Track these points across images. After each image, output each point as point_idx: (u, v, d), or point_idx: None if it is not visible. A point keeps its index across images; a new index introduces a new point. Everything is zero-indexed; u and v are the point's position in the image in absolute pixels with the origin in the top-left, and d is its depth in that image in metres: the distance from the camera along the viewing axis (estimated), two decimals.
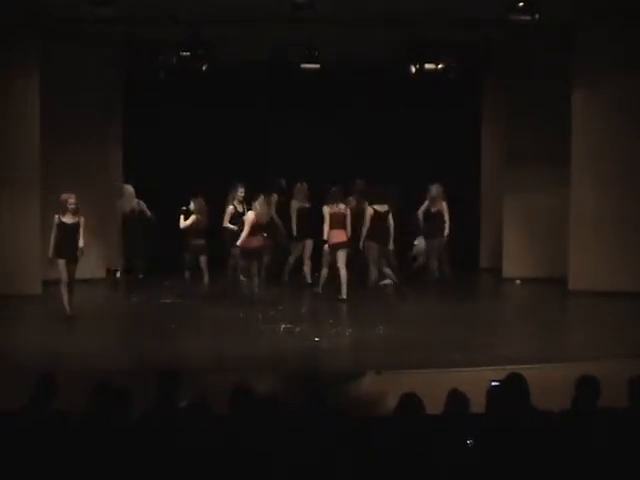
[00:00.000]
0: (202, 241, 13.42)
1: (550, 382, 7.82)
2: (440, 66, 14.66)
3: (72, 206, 11.89)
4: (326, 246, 13.36)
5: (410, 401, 5.68)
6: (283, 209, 14.60)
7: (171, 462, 5.31)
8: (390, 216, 13.52)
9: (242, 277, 13.02)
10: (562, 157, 14.18)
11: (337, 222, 13.33)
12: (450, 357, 9.61)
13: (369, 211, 13.44)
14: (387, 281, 13.74)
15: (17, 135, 13.73)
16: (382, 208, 13.49)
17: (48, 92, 13.92)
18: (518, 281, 15.14)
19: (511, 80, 15.47)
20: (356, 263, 13.69)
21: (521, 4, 11.03)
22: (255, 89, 16.07)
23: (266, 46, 13.95)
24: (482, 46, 14.78)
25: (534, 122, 15.08)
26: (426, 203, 14.28)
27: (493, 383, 6.28)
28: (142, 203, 14.08)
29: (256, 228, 12.70)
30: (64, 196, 11.91)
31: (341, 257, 13.25)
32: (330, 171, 14.79)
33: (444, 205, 14.09)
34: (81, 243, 11.92)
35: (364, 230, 13.40)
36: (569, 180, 14.07)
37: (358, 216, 13.61)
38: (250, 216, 12.71)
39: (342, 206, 13.44)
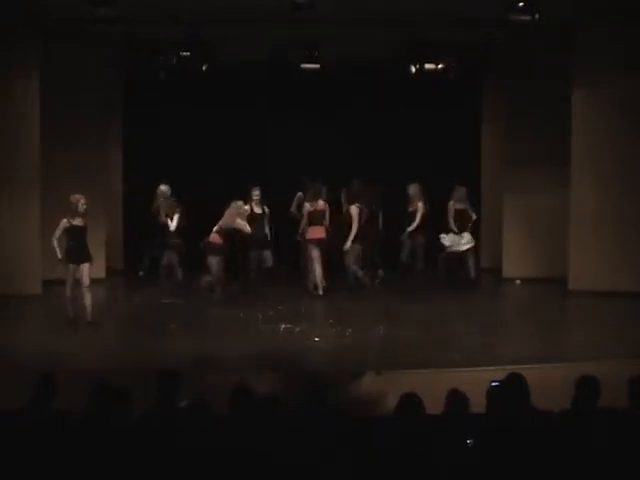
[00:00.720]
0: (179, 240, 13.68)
1: (550, 382, 7.82)
2: (440, 66, 14.65)
3: (83, 208, 11.66)
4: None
5: (410, 401, 5.68)
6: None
7: (171, 462, 5.31)
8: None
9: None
10: (562, 157, 14.19)
11: (316, 219, 13.46)
12: (450, 357, 9.61)
13: (356, 210, 13.37)
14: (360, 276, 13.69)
15: (17, 135, 13.74)
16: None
17: (48, 92, 13.92)
18: (518, 281, 15.14)
19: (511, 80, 15.47)
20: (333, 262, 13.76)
21: (521, 4, 11.03)
22: (255, 89, 16.06)
23: (266, 46, 13.93)
24: (482, 46, 14.78)
25: (534, 122, 15.08)
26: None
27: (493, 383, 6.28)
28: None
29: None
30: (75, 197, 11.64)
31: (316, 253, 13.39)
32: (330, 171, 14.78)
33: (419, 205, 14.06)
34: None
35: (354, 230, 13.36)
36: (569, 180, 14.07)
37: (347, 216, 13.70)
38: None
39: (321, 203, 13.49)
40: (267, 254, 13.90)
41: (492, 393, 6.15)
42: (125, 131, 16.35)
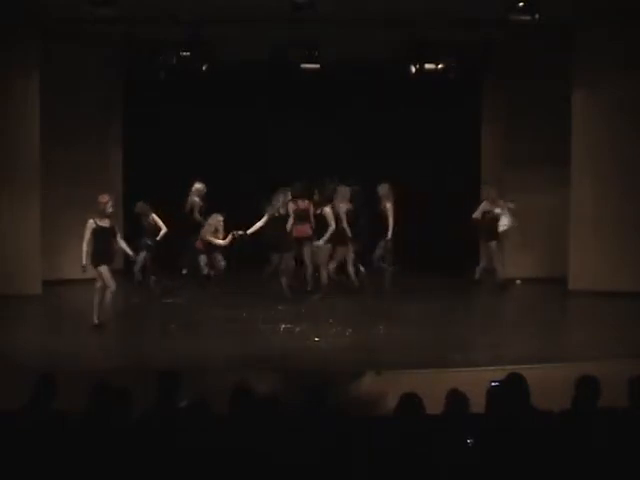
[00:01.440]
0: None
1: (550, 382, 7.82)
2: (440, 66, 14.65)
3: (110, 209, 11.38)
4: None
5: (410, 401, 5.68)
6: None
7: (171, 462, 5.31)
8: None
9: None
10: (562, 157, 14.19)
11: (300, 217, 13.47)
12: (450, 357, 9.61)
13: (328, 211, 13.26)
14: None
15: (17, 135, 13.75)
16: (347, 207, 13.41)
17: (48, 92, 13.93)
18: (518, 281, 15.14)
19: (511, 80, 15.46)
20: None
21: (521, 4, 11.04)
22: (255, 89, 16.06)
23: (266, 46, 13.94)
24: (482, 46, 14.78)
25: (534, 122, 15.08)
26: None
27: (493, 383, 6.28)
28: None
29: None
30: (104, 198, 11.39)
31: (307, 252, 13.51)
32: (330, 171, 14.77)
33: (388, 205, 13.97)
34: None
35: (330, 230, 13.26)
36: (569, 180, 14.07)
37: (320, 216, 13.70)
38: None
39: (306, 202, 13.48)
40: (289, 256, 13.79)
41: (492, 393, 6.15)
42: (125, 131, 16.34)
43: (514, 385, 6.11)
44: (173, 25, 13.09)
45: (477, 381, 7.12)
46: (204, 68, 14.24)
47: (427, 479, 5.26)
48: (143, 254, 13.91)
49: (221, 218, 13.65)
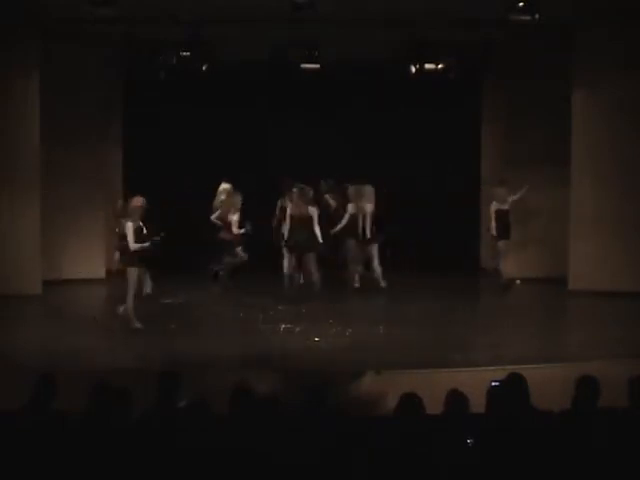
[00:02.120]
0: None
1: (550, 382, 7.83)
2: (440, 66, 14.65)
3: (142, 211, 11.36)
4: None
5: (410, 401, 5.68)
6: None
7: (171, 462, 5.31)
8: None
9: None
10: (562, 157, 14.19)
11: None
12: (450, 357, 9.61)
13: (314, 211, 13.21)
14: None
15: (17, 135, 13.74)
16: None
17: (48, 92, 13.93)
18: (518, 281, 15.13)
19: (511, 80, 15.47)
20: None
21: (521, 4, 11.04)
22: (255, 89, 16.06)
23: (266, 46, 13.94)
24: (482, 46, 14.78)
25: (534, 122, 15.09)
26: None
27: (493, 383, 6.27)
28: None
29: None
30: (140, 201, 11.39)
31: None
32: (330, 171, 14.80)
33: (369, 207, 13.92)
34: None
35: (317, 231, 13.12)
36: (569, 180, 14.07)
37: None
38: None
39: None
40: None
41: (492, 393, 6.15)
42: (125, 131, 16.34)
43: (514, 385, 6.11)
44: (173, 25, 13.09)
45: (477, 381, 7.12)
46: (204, 68, 14.24)
47: (427, 479, 5.26)
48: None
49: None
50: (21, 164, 13.74)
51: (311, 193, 13.30)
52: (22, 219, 13.78)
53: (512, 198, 14.21)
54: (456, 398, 5.81)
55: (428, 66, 14.47)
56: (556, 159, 14.59)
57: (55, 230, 14.41)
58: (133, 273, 11.20)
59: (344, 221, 13.71)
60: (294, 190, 13.17)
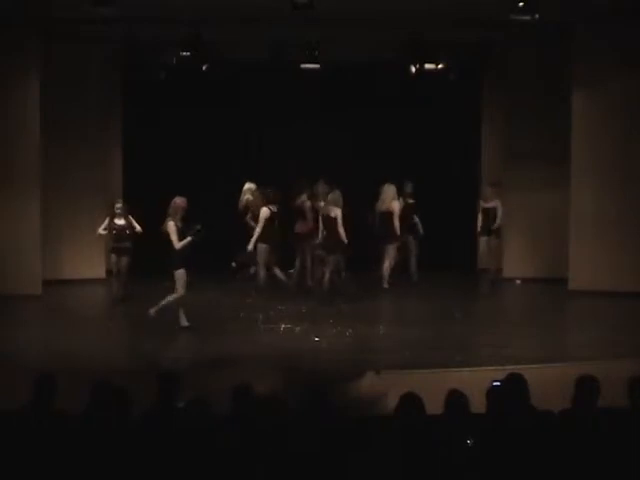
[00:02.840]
0: (126, 244, 13.24)
1: (550, 382, 7.83)
2: (440, 66, 14.66)
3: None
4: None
5: (410, 401, 5.68)
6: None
7: (171, 462, 5.31)
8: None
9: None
10: (562, 157, 14.20)
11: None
12: (450, 357, 9.61)
13: (264, 212, 13.14)
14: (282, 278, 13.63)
15: (17, 135, 13.74)
16: (273, 209, 13.31)
17: (48, 92, 13.93)
18: (518, 281, 15.14)
19: (511, 80, 15.48)
20: None
21: (521, 4, 11.02)
22: (255, 89, 16.05)
23: (266, 46, 13.95)
24: (482, 46, 14.77)
25: (534, 122, 15.09)
26: None
27: (493, 383, 6.28)
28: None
29: None
30: (183, 200, 11.39)
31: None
32: (330, 171, 14.78)
33: (337, 212, 13.88)
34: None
35: (257, 231, 13.13)
36: (569, 180, 14.07)
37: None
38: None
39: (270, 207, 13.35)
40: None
41: (492, 393, 6.15)
42: (125, 131, 16.34)
43: (514, 385, 6.12)
44: (173, 25, 13.09)
45: (477, 381, 7.12)
46: (204, 68, 14.26)
47: (427, 479, 5.26)
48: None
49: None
50: (21, 164, 13.74)
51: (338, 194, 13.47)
52: (22, 219, 13.78)
53: (488, 205, 14.45)
54: (456, 398, 5.81)
55: (428, 66, 14.47)
56: (556, 159, 14.60)
57: (55, 230, 14.41)
58: (182, 274, 11.12)
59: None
60: (326, 191, 13.44)
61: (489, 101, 16.70)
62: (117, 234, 13.17)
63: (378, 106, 16.27)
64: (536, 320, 12.36)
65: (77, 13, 12.14)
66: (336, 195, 13.24)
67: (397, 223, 13.93)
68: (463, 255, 15.88)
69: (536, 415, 5.97)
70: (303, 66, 14.56)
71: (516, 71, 15.30)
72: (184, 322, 11.26)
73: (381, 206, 14.01)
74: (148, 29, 13.49)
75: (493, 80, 16.38)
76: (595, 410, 5.95)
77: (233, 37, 13.62)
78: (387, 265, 13.94)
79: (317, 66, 14.48)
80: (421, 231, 14.83)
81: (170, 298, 11.25)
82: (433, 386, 7.07)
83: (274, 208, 13.19)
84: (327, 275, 13.24)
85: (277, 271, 13.47)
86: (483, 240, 14.63)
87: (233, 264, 14.16)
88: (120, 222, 13.09)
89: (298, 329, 11.22)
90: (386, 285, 13.86)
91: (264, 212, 13.08)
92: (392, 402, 6.03)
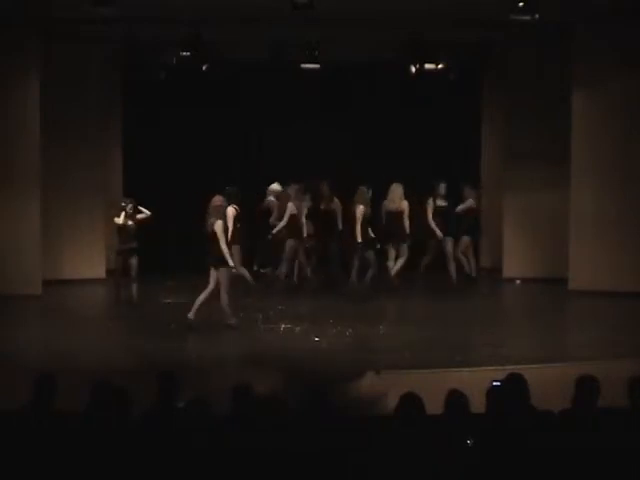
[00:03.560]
0: (134, 244, 13.02)
1: (550, 382, 7.83)
2: (440, 66, 14.67)
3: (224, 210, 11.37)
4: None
5: (410, 401, 5.68)
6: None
7: (171, 462, 5.31)
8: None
9: None
10: (562, 157, 14.20)
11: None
12: (450, 357, 9.61)
13: (231, 211, 12.93)
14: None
15: (17, 135, 13.74)
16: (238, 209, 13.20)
17: (48, 92, 13.93)
18: (518, 281, 15.14)
19: (511, 80, 15.48)
20: None
21: (521, 4, 11.03)
22: (255, 89, 16.05)
23: (266, 46, 13.95)
24: (482, 46, 14.78)
25: (534, 122, 15.09)
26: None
27: (493, 383, 6.28)
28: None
29: None
30: (220, 200, 11.33)
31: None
32: (330, 171, 14.80)
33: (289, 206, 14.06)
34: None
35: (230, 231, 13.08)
36: (569, 180, 14.07)
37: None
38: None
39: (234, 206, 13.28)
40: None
41: (492, 393, 6.15)
42: (125, 131, 16.34)
43: (514, 385, 6.12)
44: (173, 25, 13.09)
45: (477, 381, 7.12)
46: (204, 68, 14.26)
47: (427, 479, 5.26)
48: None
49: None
50: (21, 164, 13.74)
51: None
52: (22, 219, 13.78)
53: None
54: (456, 398, 5.81)
55: (428, 66, 14.48)
56: (556, 159, 14.60)
57: (55, 230, 14.41)
58: (227, 272, 11.09)
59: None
60: (361, 189, 13.63)
61: (489, 101, 16.71)
62: (126, 235, 12.99)
63: (378, 106, 16.29)
64: (536, 320, 12.36)
65: (77, 13, 12.14)
66: (362, 192, 13.62)
67: (407, 222, 13.91)
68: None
69: (536, 415, 5.97)
70: (303, 66, 14.57)
71: (516, 71, 15.30)
72: (231, 320, 11.23)
73: (390, 205, 13.98)
74: (148, 29, 13.49)
75: (493, 80, 16.40)
76: (595, 410, 5.95)
77: (233, 37, 13.63)
78: (401, 263, 13.96)
79: (317, 66, 14.49)
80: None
81: (202, 297, 11.24)
82: (433, 386, 7.07)
83: (238, 208, 13.09)
84: (371, 273, 13.60)
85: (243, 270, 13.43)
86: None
87: (261, 270, 14.21)
88: (129, 223, 12.98)
89: (298, 329, 11.22)
90: (395, 282, 13.89)
91: (230, 211, 12.86)
92: (392, 402, 6.03)
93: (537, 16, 11.17)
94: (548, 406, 6.09)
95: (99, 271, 15.33)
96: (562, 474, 5.39)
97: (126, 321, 12.36)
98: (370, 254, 13.68)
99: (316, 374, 8.85)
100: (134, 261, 12.93)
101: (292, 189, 14.12)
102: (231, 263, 11.10)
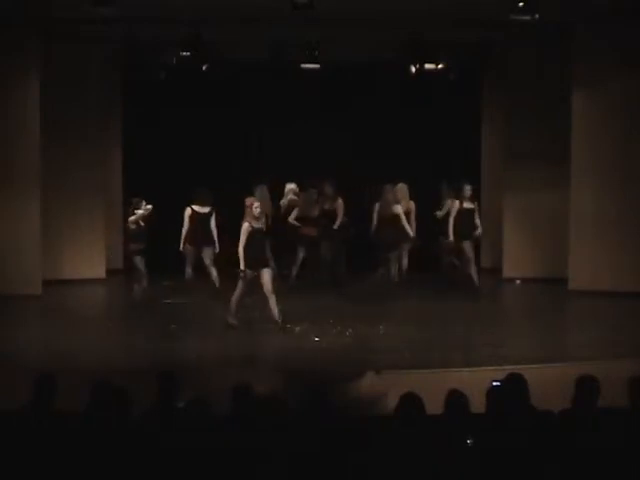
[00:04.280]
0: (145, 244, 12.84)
1: (550, 382, 7.83)
2: (440, 66, 14.66)
3: (258, 210, 11.24)
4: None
5: (410, 401, 5.68)
6: None
7: (171, 462, 5.31)
8: (213, 217, 13.09)
9: None
10: (562, 157, 14.20)
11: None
12: (450, 357, 9.61)
13: (187, 211, 12.90)
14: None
15: (17, 135, 13.74)
16: (203, 210, 13.04)
17: (48, 92, 13.93)
18: (518, 281, 15.14)
19: (511, 80, 15.48)
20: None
21: (521, 4, 11.03)
22: (255, 89, 16.06)
23: (266, 46, 13.95)
24: (482, 46, 14.78)
25: (534, 122, 15.08)
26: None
27: (493, 383, 6.28)
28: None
29: None
30: (249, 201, 11.33)
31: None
32: (330, 171, 14.79)
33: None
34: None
35: (183, 231, 12.88)
36: (569, 180, 14.07)
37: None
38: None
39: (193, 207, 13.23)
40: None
41: (492, 393, 6.15)
42: (125, 131, 16.35)
43: (514, 385, 6.12)
44: (173, 25, 13.09)
45: (477, 381, 7.13)
46: (204, 68, 14.26)
47: (427, 479, 5.26)
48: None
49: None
50: (21, 164, 13.74)
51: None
52: (22, 219, 13.78)
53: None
54: (456, 398, 5.81)
55: (428, 66, 14.47)
56: (556, 159, 14.59)
57: (55, 230, 14.41)
58: (249, 274, 11.10)
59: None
60: (387, 188, 13.64)
61: (489, 101, 16.71)
62: (139, 234, 12.84)
63: (378, 106, 16.28)
64: (536, 320, 12.36)
65: (77, 13, 12.14)
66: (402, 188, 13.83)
67: (414, 222, 14.01)
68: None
69: (536, 415, 5.97)
70: (303, 66, 14.56)
71: (516, 71, 15.29)
72: (232, 319, 11.30)
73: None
74: (148, 29, 13.49)
75: (493, 80, 16.40)
76: (595, 410, 5.95)
77: (233, 37, 13.62)
78: (405, 262, 14.03)
79: (317, 66, 14.49)
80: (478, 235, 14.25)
81: (234, 298, 11.27)
82: (433, 386, 7.07)
83: (199, 209, 12.99)
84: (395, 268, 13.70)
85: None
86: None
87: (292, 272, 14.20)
88: (142, 223, 12.92)
89: (298, 329, 11.22)
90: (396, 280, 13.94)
91: (186, 212, 12.85)
92: (392, 402, 6.03)
93: (537, 16, 11.16)
94: (548, 406, 6.09)
95: (99, 271, 15.33)
96: (562, 474, 5.39)
97: (126, 321, 12.36)
98: (393, 253, 13.72)
99: (316, 374, 8.85)
100: (143, 261, 12.79)
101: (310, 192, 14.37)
102: (242, 265, 11.07)
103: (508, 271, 15.46)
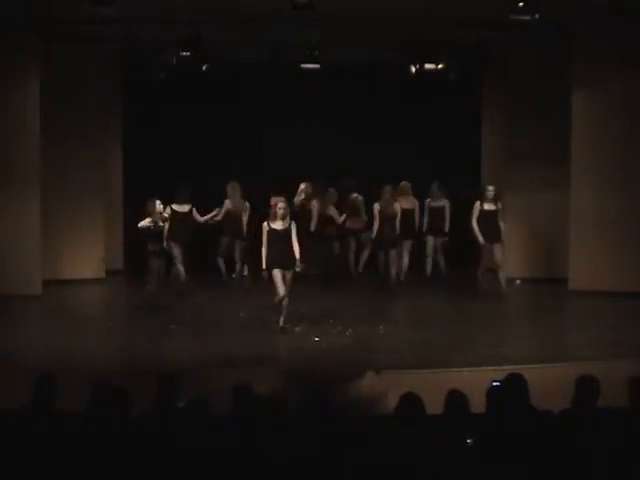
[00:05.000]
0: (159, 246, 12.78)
1: (550, 382, 7.83)
2: (440, 66, 14.67)
3: (281, 211, 10.98)
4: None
5: (410, 401, 5.68)
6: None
7: (171, 462, 5.31)
8: (194, 215, 13.35)
9: None
10: (562, 157, 14.19)
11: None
12: (450, 357, 9.61)
13: (166, 210, 12.97)
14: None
15: (17, 135, 13.74)
16: (183, 208, 13.23)
17: (48, 92, 13.93)
18: (518, 281, 15.13)
19: (511, 80, 15.48)
20: None
21: (521, 4, 11.03)
22: (255, 89, 16.06)
23: (266, 46, 13.95)
24: (482, 46, 14.78)
25: (534, 122, 15.08)
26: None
27: (493, 383, 6.28)
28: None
29: None
30: (273, 200, 11.24)
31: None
32: (330, 171, 14.81)
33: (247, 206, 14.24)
34: (296, 251, 10.97)
35: (165, 230, 12.90)
36: (569, 180, 14.07)
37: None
38: None
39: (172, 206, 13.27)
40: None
41: (492, 393, 6.15)
42: (125, 131, 16.35)
43: (514, 385, 6.12)
44: (173, 25, 13.09)
45: (477, 381, 7.13)
46: (204, 68, 14.26)
47: (427, 479, 5.26)
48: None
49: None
50: (21, 164, 13.74)
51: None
52: (22, 219, 13.78)
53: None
54: (456, 398, 5.81)
55: (428, 66, 14.48)
56: (556, 159, 14.59)
57: (55, 230, 14.40)
58: (277, 274, 10.99)
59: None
60: (386, 189, 13.69)
61: (489, 101, 16.70)
62: (158, 235, 12.79)
63: (378, 106, 16.29)
64: (536, 320, 12.36)
65: (77, 13, 12.14)
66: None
67: (417, 219, 14.22)
68: (462, 254, 15.85)
69: (536, 415, 5.98)
70: (303, 66, 14.56)
71: (516, 71, 15.29)
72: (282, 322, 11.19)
73: (403, 204, 14.03)
74: (148, 29, 13.49)
75: (493, 80, 16.39)
76: (595, 410, 5.95)
77: (233, 37, 13.63)
78: (406, 262, 14.09)
79: (317, 66, 14.49)
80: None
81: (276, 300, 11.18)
82: (433, 386, 7.07)
83: (178, 207, 13.10)
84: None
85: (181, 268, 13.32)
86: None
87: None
88: (160, 224, 12.87)
89: (298, 329, 11.22)
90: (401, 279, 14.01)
91: (167, 210, 12.99)
92: (392, 402, 6.03)
93: (537, 16, 11.17)
94: (548, 406, 6.09)
95: (99, 271, 15.33)
96: (562, 474, 5.39)
97: (126, 321, 12.36)
98: (393, 252, 13.77)
99: (316, 374, 8.85)
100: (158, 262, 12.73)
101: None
102: (264, 265, 11.00)
103: (508, 271, 15.43)
